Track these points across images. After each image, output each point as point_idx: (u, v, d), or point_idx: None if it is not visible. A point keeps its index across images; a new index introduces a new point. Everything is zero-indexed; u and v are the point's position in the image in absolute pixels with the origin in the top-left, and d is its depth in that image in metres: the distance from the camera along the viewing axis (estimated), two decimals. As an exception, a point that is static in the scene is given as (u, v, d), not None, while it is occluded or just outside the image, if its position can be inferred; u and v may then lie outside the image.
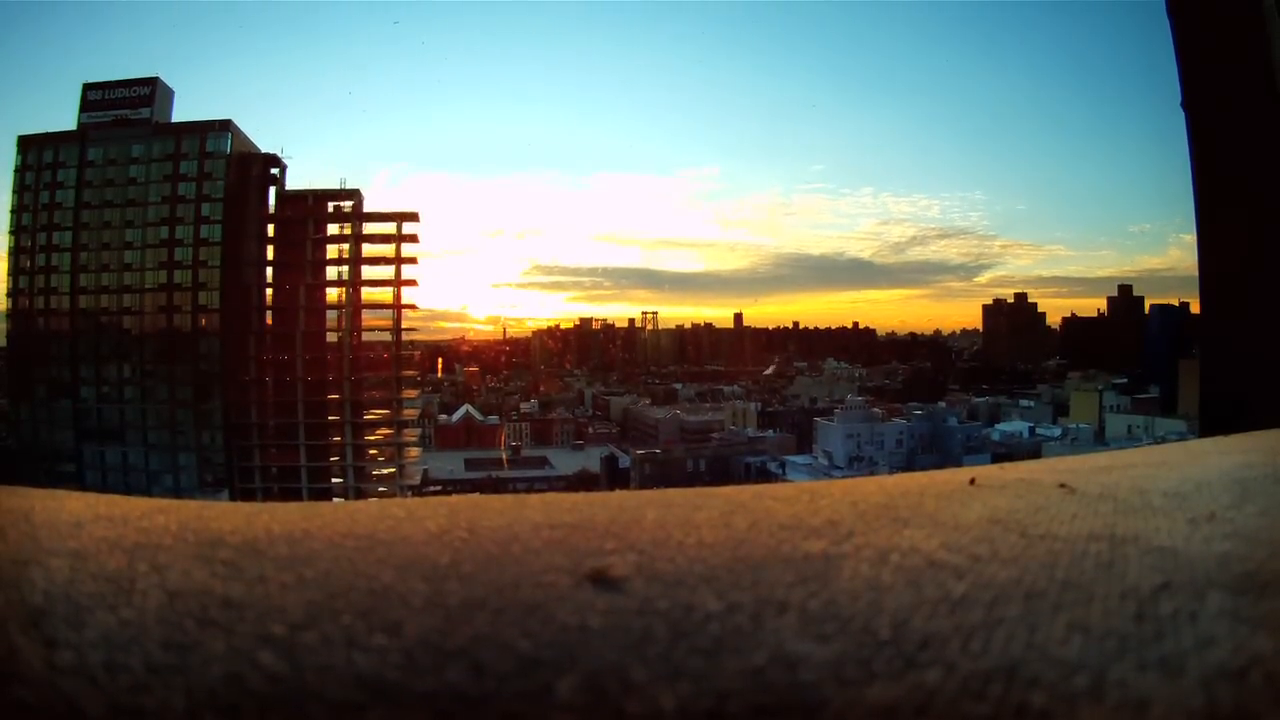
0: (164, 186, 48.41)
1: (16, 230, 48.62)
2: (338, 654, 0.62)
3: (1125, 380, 60.29)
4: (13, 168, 48.77)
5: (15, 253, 48.60)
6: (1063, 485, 1.11)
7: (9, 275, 48.54)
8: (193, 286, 48.12)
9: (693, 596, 0.72)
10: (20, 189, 48.60)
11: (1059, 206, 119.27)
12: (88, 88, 50.12)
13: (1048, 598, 0.69)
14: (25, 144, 49.15)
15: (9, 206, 48.75)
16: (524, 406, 60.18)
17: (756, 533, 0.91)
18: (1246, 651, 0.58)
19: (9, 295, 48.47)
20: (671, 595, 0.72)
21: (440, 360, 58.51)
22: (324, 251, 49.33)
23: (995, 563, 0.78)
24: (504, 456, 50.09)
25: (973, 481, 1.16)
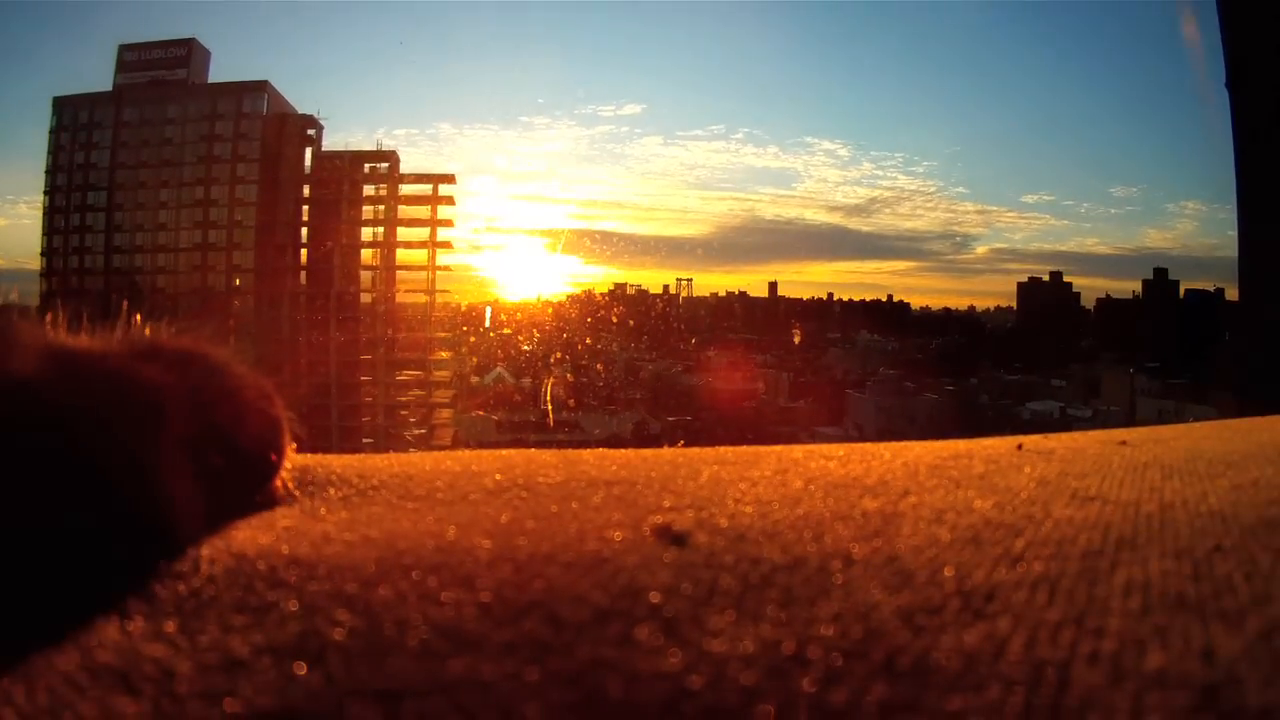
0: (199, 147, 48.48)
1: (52, 190, 48.86)
2: (413, 608, 0.63)
3: (1157, 365, 59.90)
4: (48, 129, 49.02)
5: (50, 213, 48.86)
6: (1123, 443, 1.18)
7: (44, 235, 48.88)
8: (227, 246, 48.29)
9: (758, 550, 0.73)
10: (56, 149, 48.80)
11: (1035, 167, 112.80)
12: (123, 49, 50.14)
13: (1104, 555, 0.70)
14: (61, 105, 49.32)
15: (44, 167, 49.03)
16: (554, 369, 60.32)
17: (813, 489, 0.94)
18: None
19: (44, 255, 48.82)
20: (736, 549, 0.74)
21: (484, 313, 58.41)
22: (359, 213, 49.41)
23: (1049, 523, 0.79)
24: (549, 413, 49.79)
25: (1020, 447, 1.19)
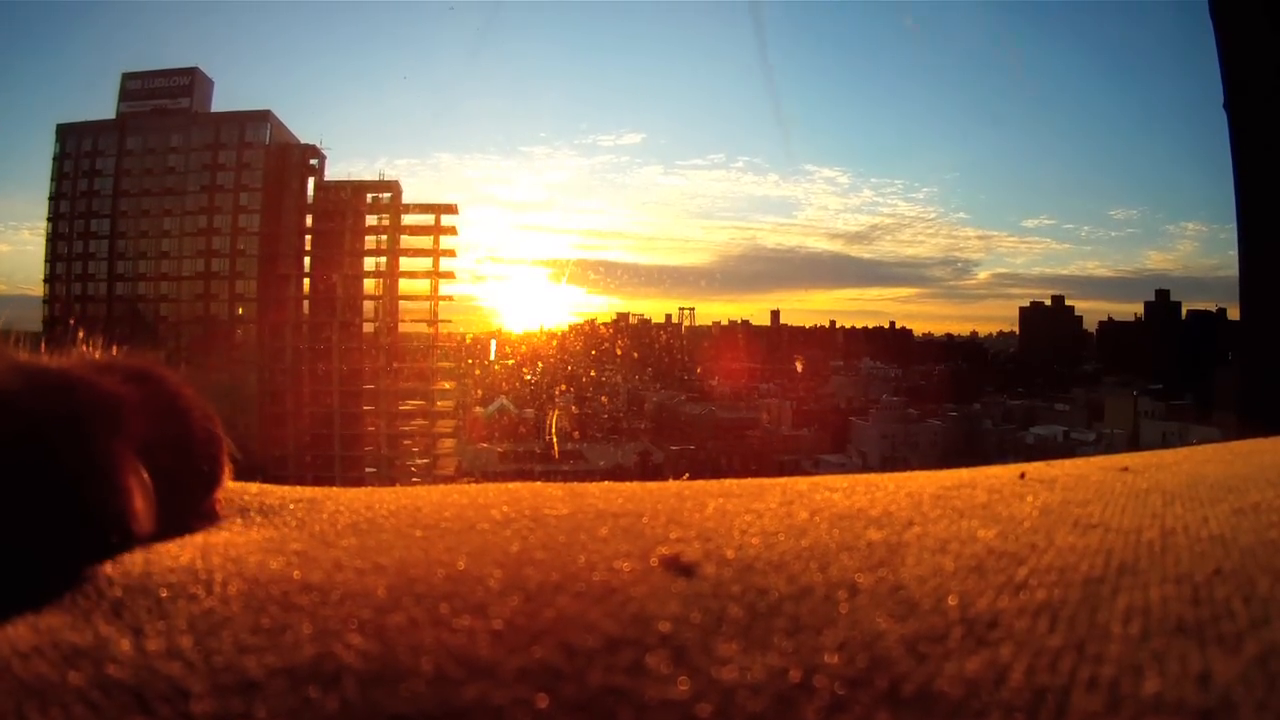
0: (202, 176, 48.78)
1: (55, 217, 49.12)
2: (427, 634, 0.64)
3: (1160, 386, 59.69)
4: (52, 156, 49.35)
5: (54, 239, 49.07)
6: (1125, 469, 1.17)
7: (47, 262, 49.05)
8: (230, 275, 48.46)
9: (765, 580, 0.74)
10: (59, 177, 49.13)
11: (1034, 192, 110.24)
12: (127, 77, 50.56)
13: (1106, 582, 0.70)
14: (65, 132, 49.70)
15: (48, 194, 49.34)
16: (559, 400, 60.16)
17: (818, 521, 0.93)
18: None
19: (47, 281, 48.94)
20: (743, 579, 0.74)
21: (487, 344, 58.27)
22: (361, 242, 49.48)
23: (1051, 551, 0.78)
24: (554, 444, 49.53)
25: (1023, 476, 1.17)
